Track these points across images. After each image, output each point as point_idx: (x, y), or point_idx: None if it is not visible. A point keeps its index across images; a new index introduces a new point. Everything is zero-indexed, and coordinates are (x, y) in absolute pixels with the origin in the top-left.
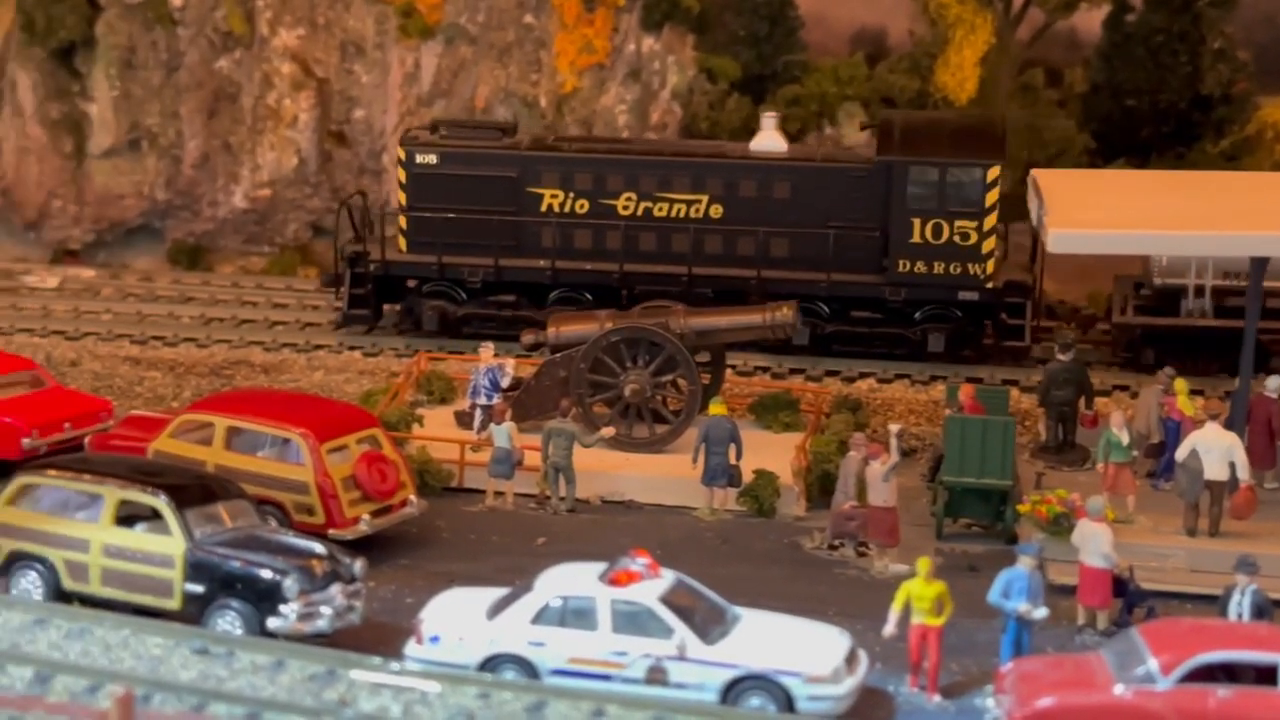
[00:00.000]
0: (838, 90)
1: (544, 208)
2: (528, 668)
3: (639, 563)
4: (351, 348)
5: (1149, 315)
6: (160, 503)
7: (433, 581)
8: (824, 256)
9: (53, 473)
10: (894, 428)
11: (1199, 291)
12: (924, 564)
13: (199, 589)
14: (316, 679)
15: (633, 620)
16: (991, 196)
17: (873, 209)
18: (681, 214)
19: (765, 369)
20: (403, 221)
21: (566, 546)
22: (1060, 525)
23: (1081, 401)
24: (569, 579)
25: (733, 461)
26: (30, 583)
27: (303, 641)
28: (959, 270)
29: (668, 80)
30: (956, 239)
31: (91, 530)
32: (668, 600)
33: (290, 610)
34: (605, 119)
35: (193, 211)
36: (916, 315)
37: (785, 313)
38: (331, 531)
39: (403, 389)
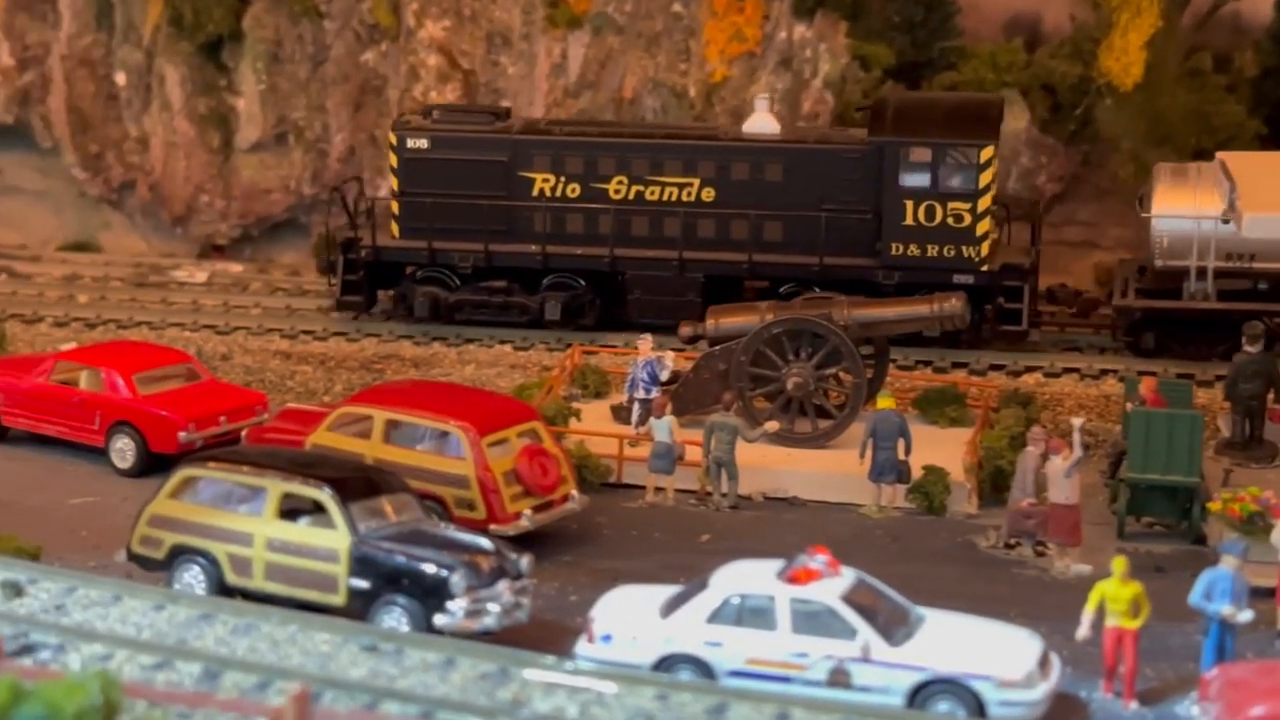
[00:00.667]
0: (995, 77)
1: (535, 192)
2: (703, 668)
3: (818, 560)
4: (502, 342)
5: (1150, 298)
6: (324, 495)
7: (596, 579)
8: (816, 240)
9: (215, 465)
10: (1076, 422)
11: (1200, 274)
12: (1119, 564)
13: (364, 584)
14: (489, 678)
15: (813, 620)
16: (986, 178)
17: (866, 191)
18: (673, 198)
19: (927, 363)
20: (395, 207)
21: (730, 544)
22: (1254, 524)
23: (1270, 395)
24: (745, 577)
25: (901, 457)
26: (193, 577)
27: (471, 639)
28: (952, 253)
29: (819, 69)
30: (950, 221)
31: (255, 524)
32: (849, 599)
33: (457, 607)
34: (755, 108)
35: (338, 206)
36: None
37: (954, 304)
38: (492, 527)
39: (557, 383)
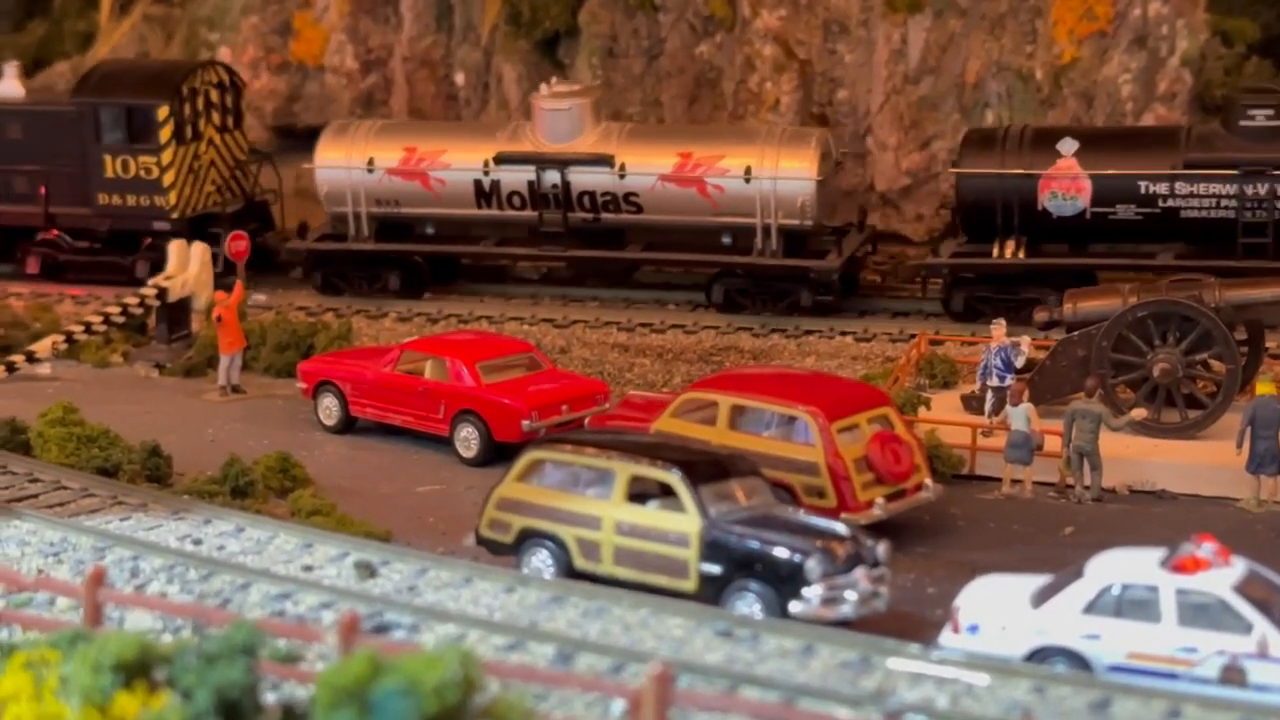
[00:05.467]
0: None
1: None
2: (1079, 662)
3: (1206, 548)
4: (843, 333)
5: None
6: (674, 478)
7: (954, 571)
8: (49, 191)
9: (562, 448)
10: None
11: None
12: None
13: (715, 569)
14: (850, 666)
15: (1202, 612)
16: (165, 134)
17: (77, 148)
18: None
19: None
20: None
21: (1095, 537)
22: None
23: None
24: (1125, 565)
25: None
26: (541, 561)
27: (828, 627)
28: (148, 203)
29: (1177, 46)
30: (142, 174)
31: (603, 507)
32: (1242, 591)
33: (814, 594)
34: (1107, 90)
35: None
36: None
37: None
38: (843, 515)
39: (903, 373)
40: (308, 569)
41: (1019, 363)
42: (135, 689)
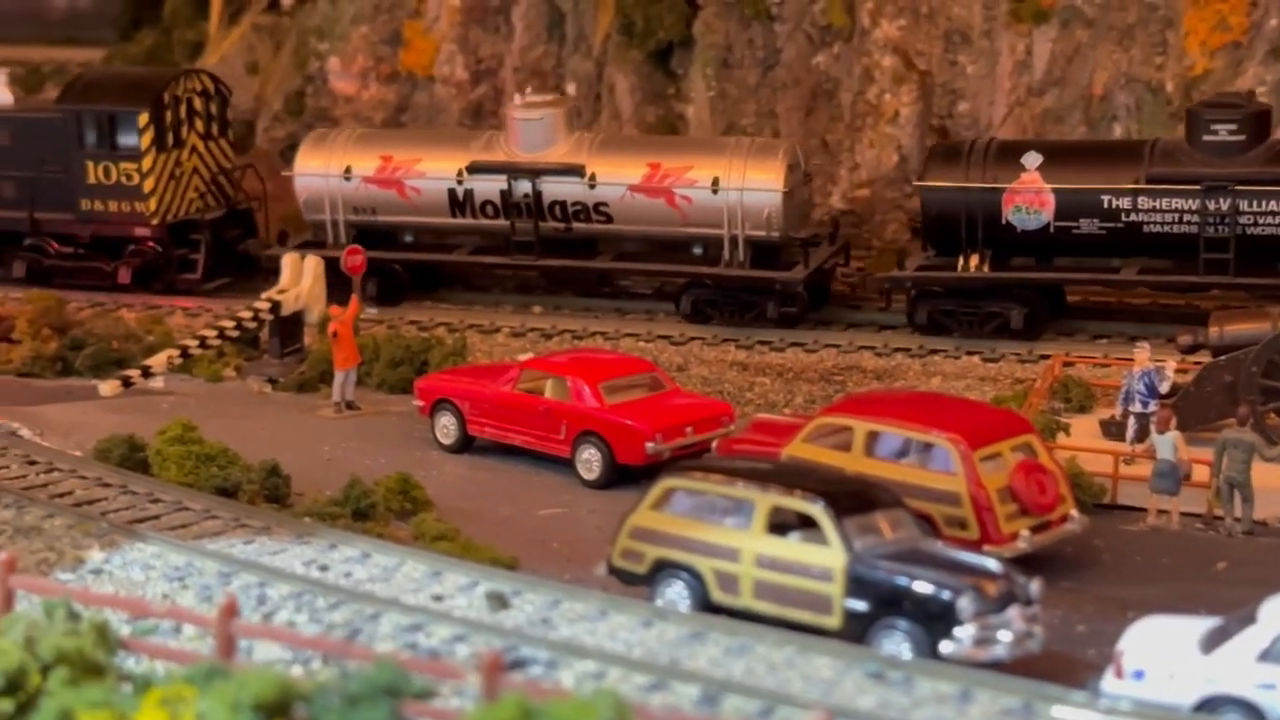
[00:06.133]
0: None
1: None
2: (1253, 712)
3: None
4: (970, 353)
5: None
6: (817, 510)
7: (1103, 608)
8: (35, 196)
9: (698, 476)
10: None
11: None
12: None
13: (861, 606)
14: (1012, 714)
15: None
16: (146, 140)
17: (63, 154)
18: None
19: None
20: None
21: (1250, 573)
22: None
23: None
24: None
25: None
26: (676, 593)
27: (982, 669)
28: (129, 208)
29: None
30: (123, 180)
31: (742, 538)
32: None
33: (965, 634)
34: None
35: None
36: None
37: None
38: (986, 548)
39: (1037, 396)
40: (437, 599)
41: (1163, 388)
42: None
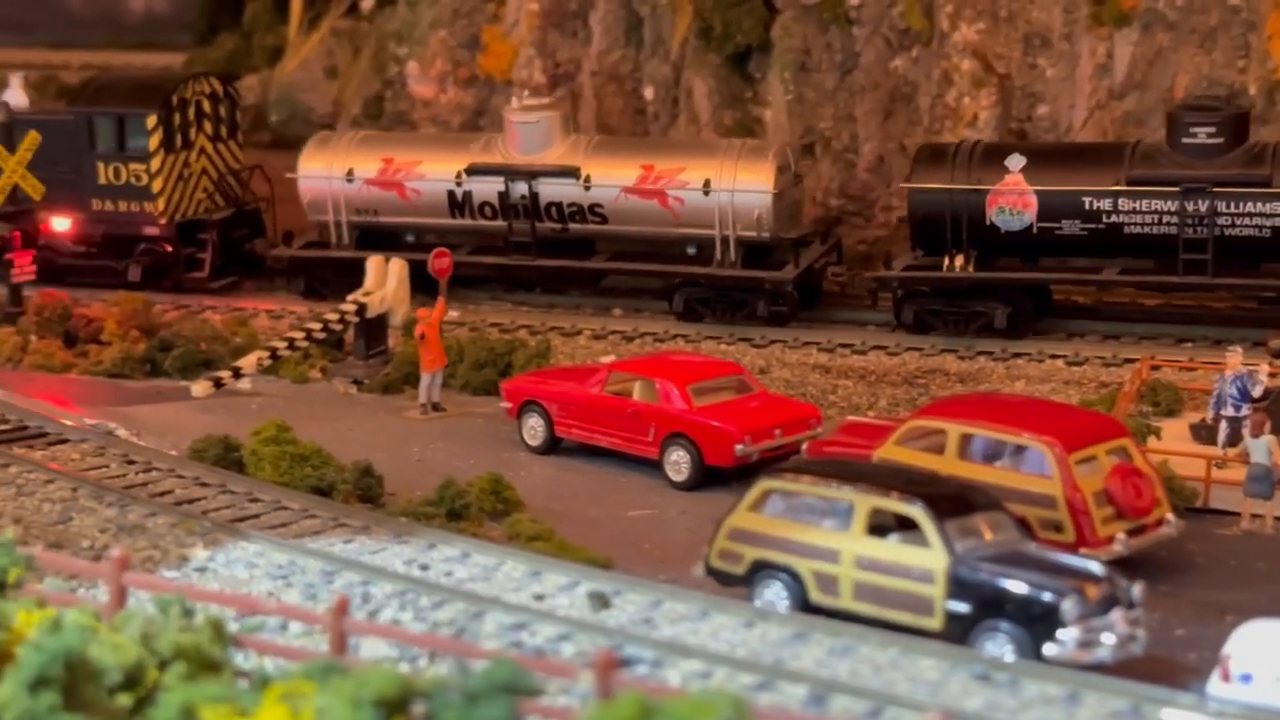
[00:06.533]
0: None
1: None
2: None
3: None
4: (1054, 356)
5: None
6: (917, 512)
7: (1200, 612)
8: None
9: (796, 478)
10: None
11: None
12: None
13: (963, 608)
14: (1120, 716)
15: None
16: (154, 142)
17: (74, 155)
18: None
19: None
20: None
21: None
22: None
23: None
24: None
25: None
26: (775, 594)
27: (1086, 672)
28: (138, 208)
29: None
30: (132, 180)
31: (842, 540)
32: None
33: (1069, 636)
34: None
35: (865, 217)
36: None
37: None
38: (1082, 551)
39: (1125, 400)
40: (538, 598)
41: (1256, 392)
42: None
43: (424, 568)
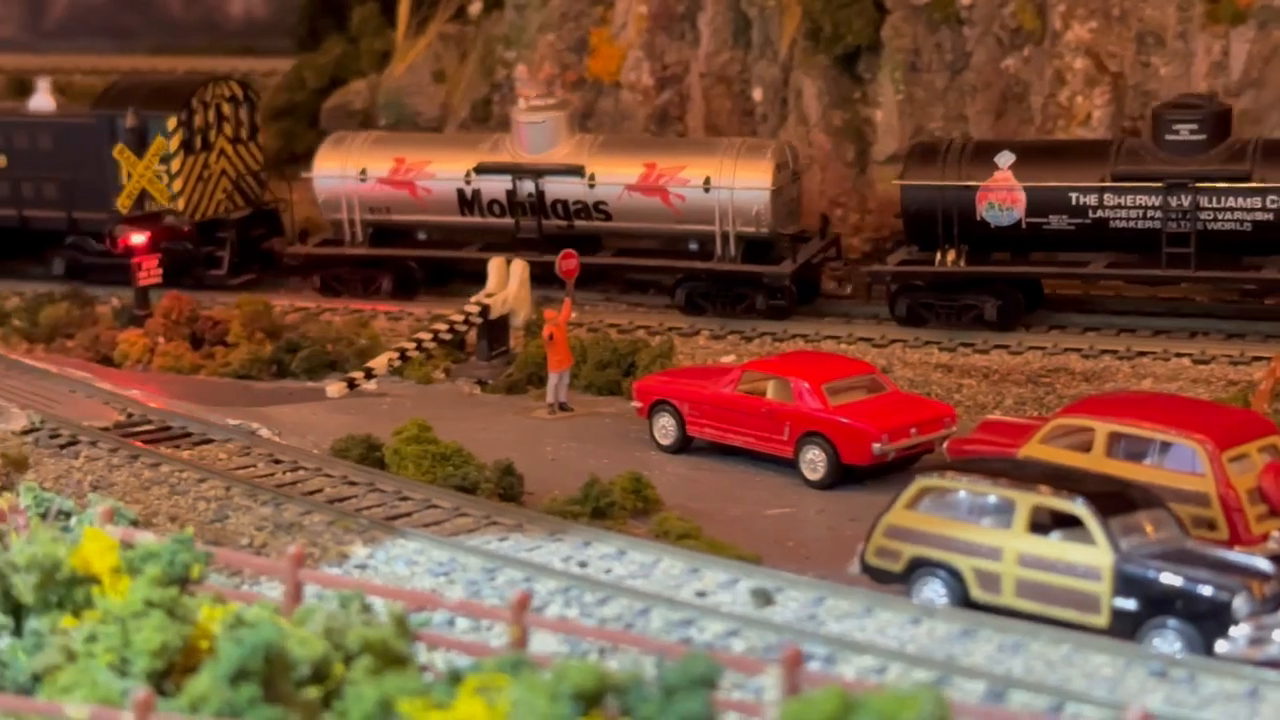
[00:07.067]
0: None
1: None
2: None
3: None
4: (1179, 354)
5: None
6: (1080, 509)
7: None
8: (73, 196)
9: (954, 476)
10: None
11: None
12: None
13: (1130, 605)
14: None
15: None
16: (175, 143)
17: (97, 155)
18: None
19: None
20: None
21: None
22: None
23: None
24: None
25: None
26: (934, 591)
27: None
28: (159, 209)
29: None
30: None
31: (1003, 537)
32: None
33: (1240, 633)
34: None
35: None
36: None
37: None
38: (1236, 549)
39: (1261, 398)
40: (700, 594)
41: None
42: (594, 717)
43: (582, 565)
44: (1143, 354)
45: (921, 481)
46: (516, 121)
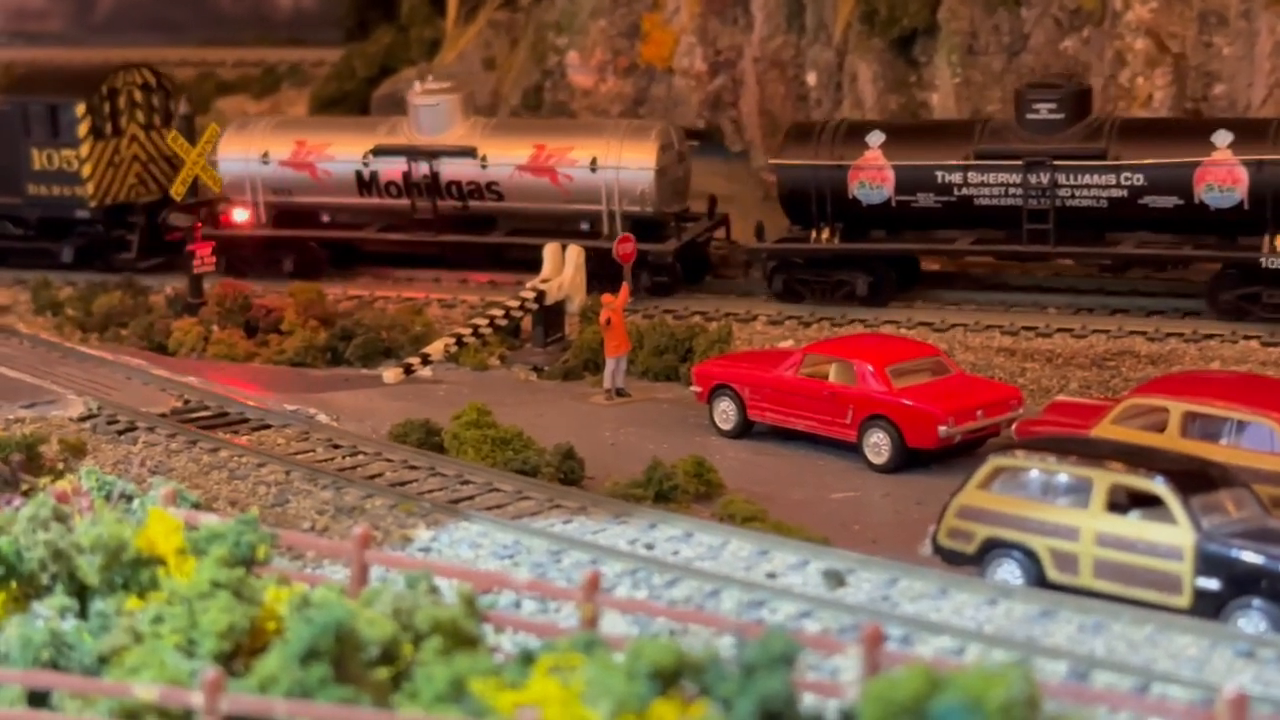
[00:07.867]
0: None
1: None
2: None
3: None
4: (1247, 337)
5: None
6: (1160, 488)
7: None
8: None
9: (1028, 456)
10: None
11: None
12: None
13: (1213, 585)
14: None
15: None
16: (83, 129)
17: (11, 142)
18: None
19: None
20: None
21: None
22: None
23: None
24: None
25: None
26: (1008, 572)
27: None
28: (69, 193)
29: None
30: (64, 166)
31: (1080, 517)
32: None
33: None
34: None
35: None
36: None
37: None
38: None
39: None
40: (771, 576)
41: None
42: (671, 697)
43: (649, 547)
44: (1209, 336)
45: (995, 461)
46: (411, 104)
